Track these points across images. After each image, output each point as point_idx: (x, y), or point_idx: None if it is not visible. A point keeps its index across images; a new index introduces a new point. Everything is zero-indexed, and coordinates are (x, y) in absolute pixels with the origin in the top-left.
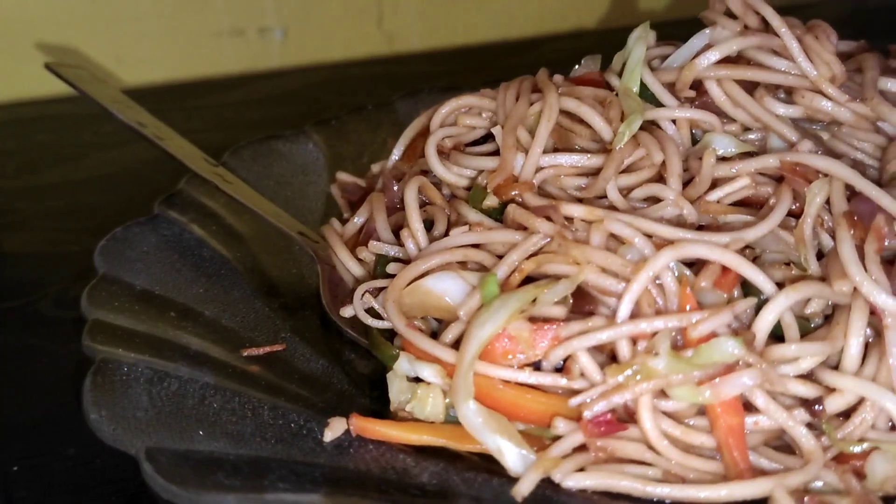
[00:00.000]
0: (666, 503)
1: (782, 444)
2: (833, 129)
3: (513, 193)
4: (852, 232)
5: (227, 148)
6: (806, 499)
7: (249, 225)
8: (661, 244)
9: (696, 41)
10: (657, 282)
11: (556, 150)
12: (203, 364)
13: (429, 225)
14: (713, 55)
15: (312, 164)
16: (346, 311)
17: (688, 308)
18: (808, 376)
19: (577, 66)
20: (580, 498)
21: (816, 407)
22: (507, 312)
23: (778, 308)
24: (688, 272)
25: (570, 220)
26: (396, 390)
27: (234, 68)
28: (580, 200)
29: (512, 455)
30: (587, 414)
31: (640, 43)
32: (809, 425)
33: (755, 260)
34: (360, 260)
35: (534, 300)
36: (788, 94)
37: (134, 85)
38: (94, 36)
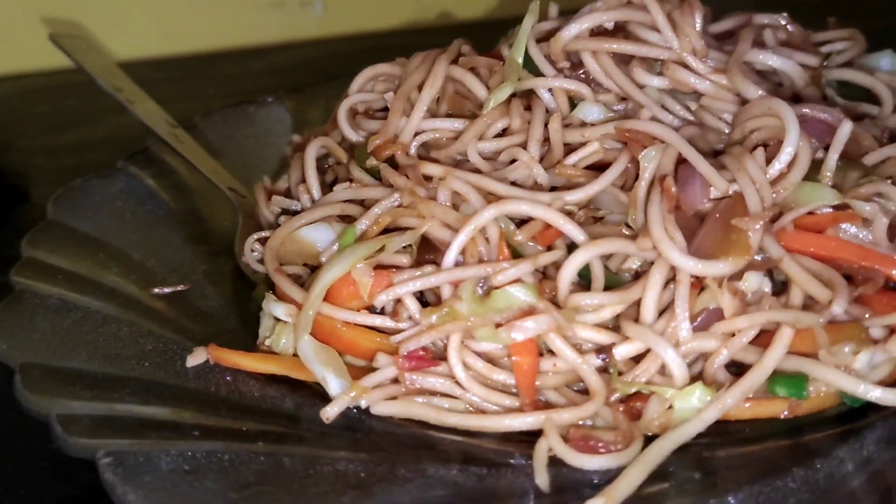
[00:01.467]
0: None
1: None
2: (700, 100)
3: (387, 153)
4: (674, 190)
5: None
6: (571, 430)
7: (200, 181)
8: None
9: (584, 13)
10: (485, 235)
11: (448, 115)
12: (111, 299)
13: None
14: (575, 27)
15: (278, 127)
16: (246, 246)
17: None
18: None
19: None
20: (386, 423)
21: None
22: (353, 258)
23: (578, 260)
24: (513, 227)
25: (429, 178)
26: (263, 327)
27: (275, 38)
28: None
29: (334, 383)
30: (402, 350)
31: (530, 16)
32: (605, 370)
33: (599, 220)
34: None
35: (382, 249)
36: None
37: (178, 53)
38: (144, 7)
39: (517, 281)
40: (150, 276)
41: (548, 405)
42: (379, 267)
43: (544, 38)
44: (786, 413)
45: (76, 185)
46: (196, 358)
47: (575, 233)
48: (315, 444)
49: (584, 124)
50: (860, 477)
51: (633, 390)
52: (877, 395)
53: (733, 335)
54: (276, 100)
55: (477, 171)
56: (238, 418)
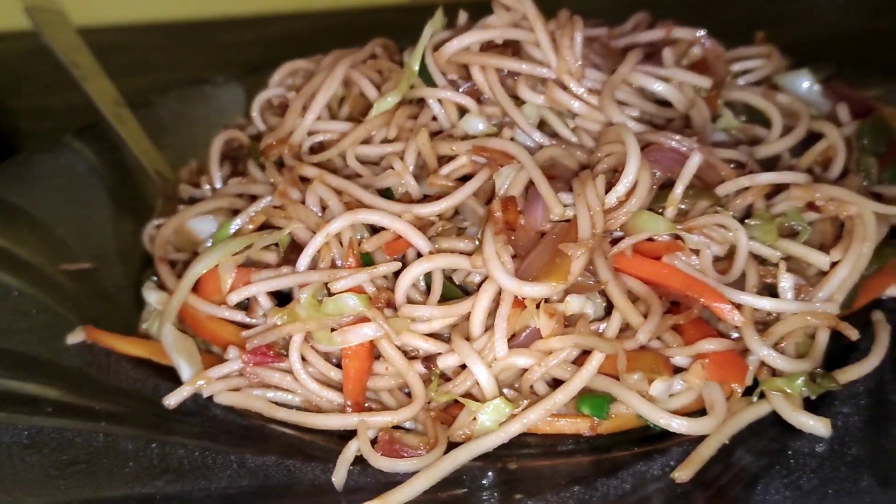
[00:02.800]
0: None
1: None
2: (575, 119)
3: (276, 153)
4: (498, 214)
5: None
6: (381, 433)
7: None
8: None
9: (475, 28)
10: (340, 241)
11: (349, 118)
12: (18, 271)
13: None
14: (457, 42)
15: (232, 108)
16: (148, 229)
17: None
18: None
19: None
20: (231, 413)
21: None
22: (221, 254)
23: (412, 273)
24: (367, 235)
25: (306, 180)
26: (145, 312)
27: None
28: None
29: (185, 371)
30: (248, 346)
31: (430, 25)
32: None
33: (461, 231)
34: None
35: (250, 246)
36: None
37: (172, 19)
38: None
39: (356, 289)
40: (64, 252)
41: (381, 406)
42: (244, 265)
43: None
44: (587, 431)
45: (20, 159)
46: (75, 336)
47: (421, 244)
48: (152, 427)
49: (466, 136)
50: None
51: (445, 400)
52: (664, 421)
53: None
54: (233, 80)
55: (358, 175)
56: (95, 398)
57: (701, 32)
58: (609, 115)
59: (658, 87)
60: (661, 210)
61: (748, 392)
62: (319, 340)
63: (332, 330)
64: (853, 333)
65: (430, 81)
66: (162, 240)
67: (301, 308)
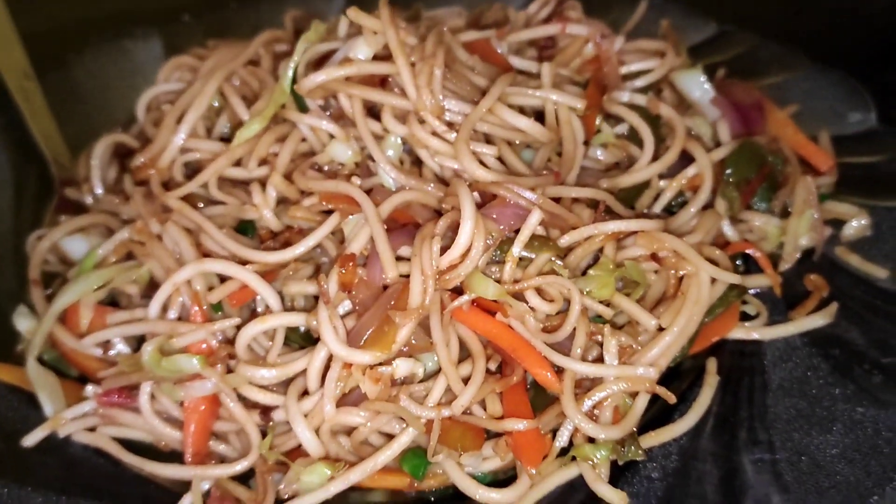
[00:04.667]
0: None
1: None
2: (436, 158)
3: (143, 176)
4: (339, 265)
5: None
6: (214, 488)
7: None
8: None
9: (352, 44)
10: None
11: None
12: None
13: None
14: (322, 76)
15: (151, 66)
16: (30, 240)
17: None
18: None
19: None
20: (84, 450)
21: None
22: (81, 289)
23: (250, 332)
24: (215, 283)
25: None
26: (14, 322)
27: None
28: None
29: (47, 407)
30: (103, 387)
31: (303, 41)
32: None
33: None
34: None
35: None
36: None
37: None
38: None
39: (198, 345)
40: None
41: (228, 447)
42: (104, 300)
43: (322, 59)
44: (406, 488)
45: None
46: None
47: (271, 301)
48: (12, 469)
49: (331, 162)
50: None
51: (272, 459)
52: (472, 492)
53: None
54: (151, 34)
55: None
56: None
57: (595, 30)
58: (460, 160)
59: (522, 124)
60: (502, 260)
61: (564, 452)
62: (163, 392)
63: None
64: (671, 398)
65: (301, 101)
66: (37, 259)
67: (145, 357)
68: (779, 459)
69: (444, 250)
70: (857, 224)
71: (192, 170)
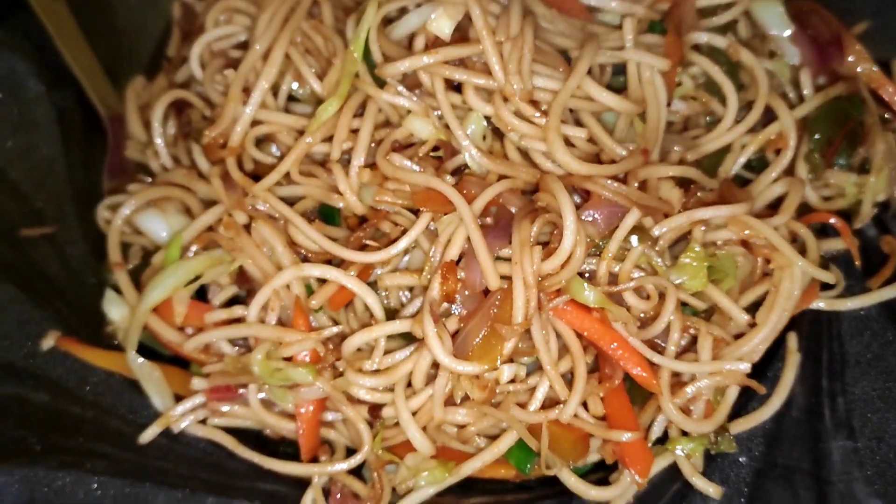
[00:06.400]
0: None
1: None
2: (523, 140)
3: (220, 157)
4: (442, 279)
5: None
6: (332, 484)
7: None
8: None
9: (425, 9)
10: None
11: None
12: None
13: None
14: (408, 63)
15: None
16: (100, 210)
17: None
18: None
19: None
20: (196, 443)
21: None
22: (174, 282)
23: (357, 341)
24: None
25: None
26: (105, 309)
27: None
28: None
29: (156, 401)
30: (209, 382)
31: (372, 5)
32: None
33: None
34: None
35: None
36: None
37: None
38: None
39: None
40: (22, 204)
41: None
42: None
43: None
44: (513, 478)
45: None
46: (48, 341)
47: (376, 307)
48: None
49: (410, 145)
50: None
51: (382, 455)
52: (582, 491)
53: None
54: None
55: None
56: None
57: None
58: (553, 152)
59: (610, 102)
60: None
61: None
62: (274, 396)
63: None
64: (761, 389)
65: (373, 65)
66: (114, 239)
67: (255, 366)
68: (859, 448)
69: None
70: None
71: (262, 138)
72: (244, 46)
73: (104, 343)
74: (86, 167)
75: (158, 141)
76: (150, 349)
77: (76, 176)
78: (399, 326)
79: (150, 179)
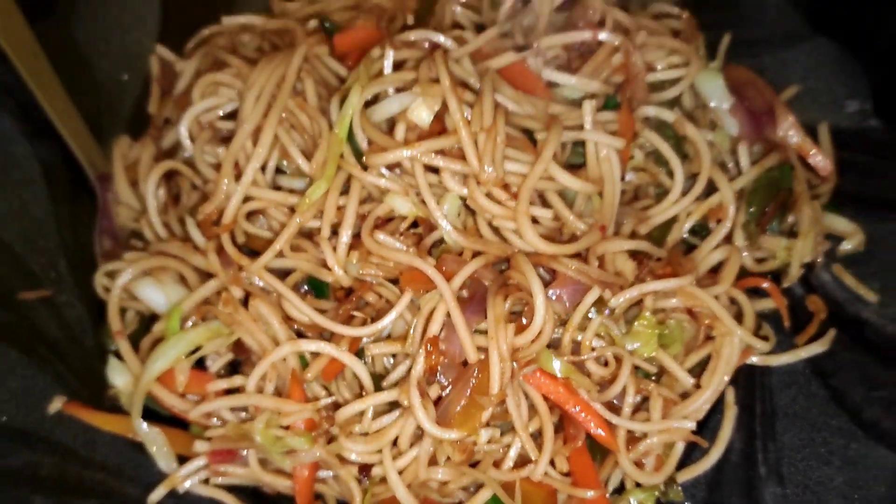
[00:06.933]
0: None
1: None
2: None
3: (214, 233)
4: (426, 355)
5: None
6: None
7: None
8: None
9: (405, 97)
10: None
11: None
12: None
13: None
14: (391, 157)
15: (146, 11)
16: (98, 277)
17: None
18: None
19: None
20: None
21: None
22: (176, 353)
23: (351, 410)
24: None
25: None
26: (109, 377)
27: None
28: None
29: (162, 464)
30: (211, 445)
31: (356, 91)
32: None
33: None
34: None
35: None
36: None
37: None
38: None
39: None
40: (16, 266)
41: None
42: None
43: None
44: None
45: None
46: (55, 405)
47: (365, 377)
48: None
49: (391, 219)
50: None
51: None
52: None
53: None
54: None
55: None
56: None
57: (626, 42)
58: (523, 233)
59: (572, 185)
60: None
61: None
62: (272, 458)
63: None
64: (704, 443)
65: (356, 146)
66: (114, 309)
67: (257, 435)
68: (788, 494)
69: (514, 321)
70: (852, 244)
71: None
72: (231, 116)
73: (106, 405)
74: (75, 227)
75: (153, 212)
76: (151, 409)
77: (67, 236)
78: (387, 396)
79: (140, 244)
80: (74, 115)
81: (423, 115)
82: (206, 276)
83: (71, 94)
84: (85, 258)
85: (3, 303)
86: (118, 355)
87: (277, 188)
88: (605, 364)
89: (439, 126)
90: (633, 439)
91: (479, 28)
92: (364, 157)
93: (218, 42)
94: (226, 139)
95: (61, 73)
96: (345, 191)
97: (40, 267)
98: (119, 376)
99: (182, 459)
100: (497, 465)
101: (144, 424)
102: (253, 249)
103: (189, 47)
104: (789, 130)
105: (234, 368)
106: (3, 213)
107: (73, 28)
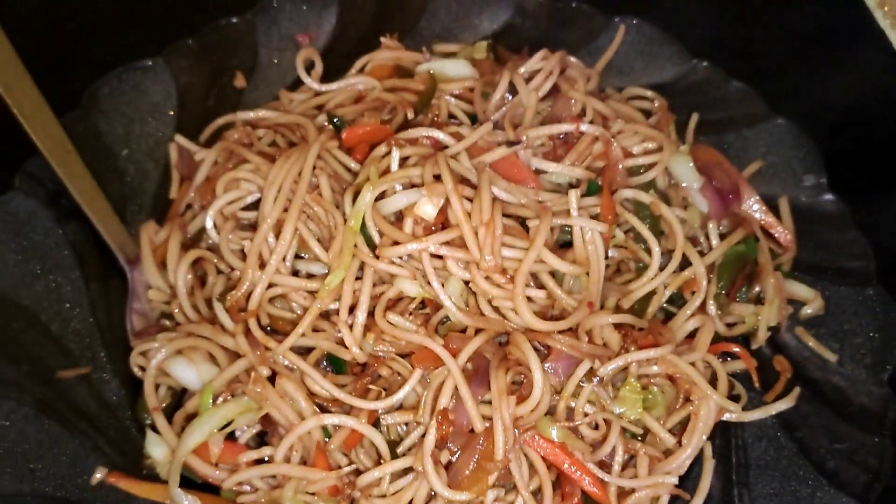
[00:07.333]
0: None
1: None
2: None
3: (242, 318)
4: (437, 426)
5: None
6: None
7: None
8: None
9: (412, 193)
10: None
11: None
12: (25, 387)
13: None
14: (398, 250)
15: (164, 102)
16: (134, 355)
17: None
18: None
19: None
20: None
21: None
22: (209, 428)
23: (370, 477)
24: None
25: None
26: (147, 449)
27: None
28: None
29: None
30: None
31: (367, 189)
32: None
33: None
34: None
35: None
36: None
37: None
38: None
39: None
40: (53, 348)
41: None
42: (229, 439)
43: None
44: None
45: None
46: (97, 476)
47: (382, 446)
48: None
49: (400, 299)
50: None
51: None
52: None
53: None
54: (160, 62)
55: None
56: None
57: (606, 133)
58: (521, 314)
59: (562, 268)
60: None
61: None
62: None
63: None
64: (685, 496)
65: (368, 236)
66: (150, 388)
67: (287, 501)
68: None
69: (514, 392)
70: (812, 308)
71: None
72: (252, 207)
73: (144, 474)
74: (107, 308)
75: (182, 297)
76: (184, 476)
77: (100, 317)
78: (403, 464)
79: (170, 323)
80: (103, 201)
81: (428, 210)
82: (233, 354)
83: (97, 181)
84: (117, 337)
85: (44, 381)
86: (154, 428)
87: (296, 272)
88: (596, 427)
89: (442, 217)
90: (623, 494)
91: (471, 117)
92: (377, 250)
93: (233, 136)
94: (247, 227)
95: (87, 162)
96: (358, 276)
97: (76, 346)
98: (157, 448)
99: None
100: None
101: (181, 492)
102: (275, 329)
103: (204, 136)
104: (753, 206)
105: (260, 438)
106: (39, 297)
107: (97, 119)
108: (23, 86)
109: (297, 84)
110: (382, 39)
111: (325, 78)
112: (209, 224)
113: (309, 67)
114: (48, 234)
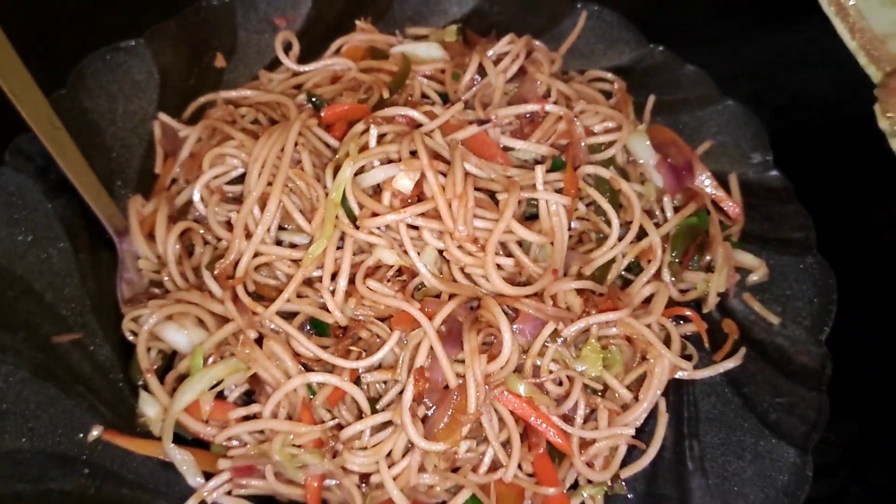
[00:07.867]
0: None
1: None
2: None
3: (230, 286)
4: (414, 383)
5: None
6: None
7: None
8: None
9: (390, 168)
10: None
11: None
12: (21, 349)
13: None
14: (379, 220)
15: (147, 81)
16: (126, 321)
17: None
18: None
19: None
20: None
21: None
22: (201, 387)
23: (353, 430)
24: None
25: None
26: (141, 408)
27: None
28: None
29: (191, 480)
30: (233, 462)
31: (348, 164)
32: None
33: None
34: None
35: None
36: None
37: None
38: None
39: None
40: (47, 312)
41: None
42: (219, 398)
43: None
44: None
45: None
46: (94, 433)
47: (363, 402)
48: None
49: (379, 266)
50: None
51: None
52: None
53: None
54: (141, 44)
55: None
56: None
57: (570, 113)
58: (491, 280)
59: (530, 238)
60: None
61: (573, 487)
62: (288, 472)
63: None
64: (641, 445)
65: (349, 209)
66: (142, 351)
67: (275, 453)
68: (710, 484)
69: (485, 352)
70: (758, 275)
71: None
72: (236, 181)
73: (138, 431)
74: (97, 277)
75: (172, 266)
76: (176, 433)
77: (90, 286)
78: (382, 417)
79: (159, 291)
80: (91, 176)
81: (405, 184)
82: (222, 319)
83: (84, 157)
84: (108, 305)
85: (40, 346)
86: (147, 388)
87: (279, 242)
88: (560, 384)
89: (418, 190)
90: (584, 444)
91: (442, 97)
92: (357, 221)
93: (216, 113)
94: (232, 200)
95: (74, 138)
96: (339, 245)
97: (70, 313)
98: (150, 407)
99: (206, 475)
100: (474, 469)
101: (176, 448)
102: (261, 295)
103: (187, 114)
104: (705, 181)
105: (247, 396)
106: (32, 267)
107: (83, 98)
108: (13, 67)
109: (275, 65)
110: (357, 22)
111: (302, 59)
112: (197, 197)
113: (287, 49)
114: (38, 207)
